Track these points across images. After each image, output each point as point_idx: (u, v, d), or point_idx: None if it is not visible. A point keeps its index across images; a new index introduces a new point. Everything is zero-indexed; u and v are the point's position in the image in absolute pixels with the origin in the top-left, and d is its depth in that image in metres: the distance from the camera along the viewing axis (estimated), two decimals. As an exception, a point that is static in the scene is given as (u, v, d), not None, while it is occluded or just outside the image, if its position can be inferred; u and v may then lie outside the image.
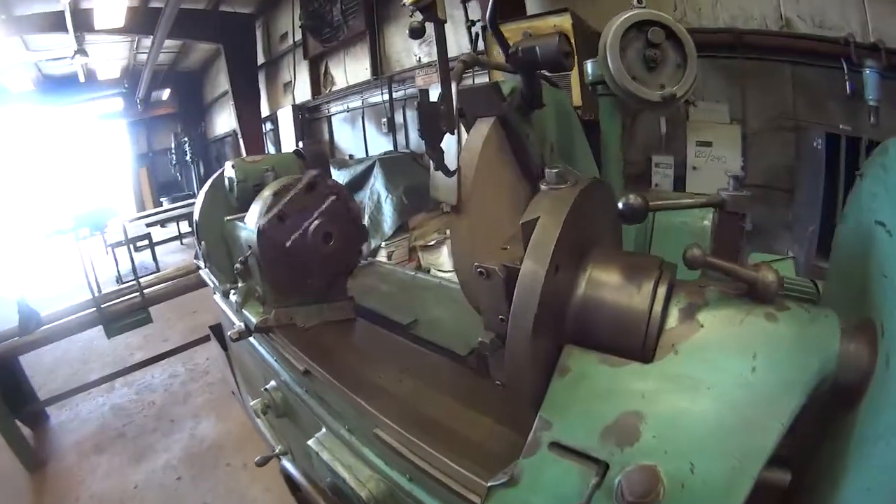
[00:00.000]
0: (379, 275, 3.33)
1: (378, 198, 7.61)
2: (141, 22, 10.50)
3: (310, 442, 1.81)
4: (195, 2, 11.13)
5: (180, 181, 19.56)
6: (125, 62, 15.33)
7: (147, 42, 11.86)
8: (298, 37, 11.61)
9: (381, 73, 9.72)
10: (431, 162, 1.38)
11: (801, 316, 0.93)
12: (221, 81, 14.76)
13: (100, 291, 4.92)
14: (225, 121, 17.13)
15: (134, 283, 5.10)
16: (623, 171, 2.02)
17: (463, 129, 1.50)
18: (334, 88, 11.39)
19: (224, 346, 3.80)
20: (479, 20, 6.82)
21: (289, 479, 2.16)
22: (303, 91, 12.29)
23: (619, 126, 1.88)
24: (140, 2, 10.18)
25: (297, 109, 12.26)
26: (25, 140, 17.20)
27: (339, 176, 7.96)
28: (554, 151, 1.79)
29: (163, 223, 12.89)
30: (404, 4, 1.15)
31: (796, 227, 5.05)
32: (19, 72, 13.58)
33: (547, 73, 1.58)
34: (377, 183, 7.74)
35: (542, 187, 1.05)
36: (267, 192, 2.32)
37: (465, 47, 7.01)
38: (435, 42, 1.27)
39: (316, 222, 2.24)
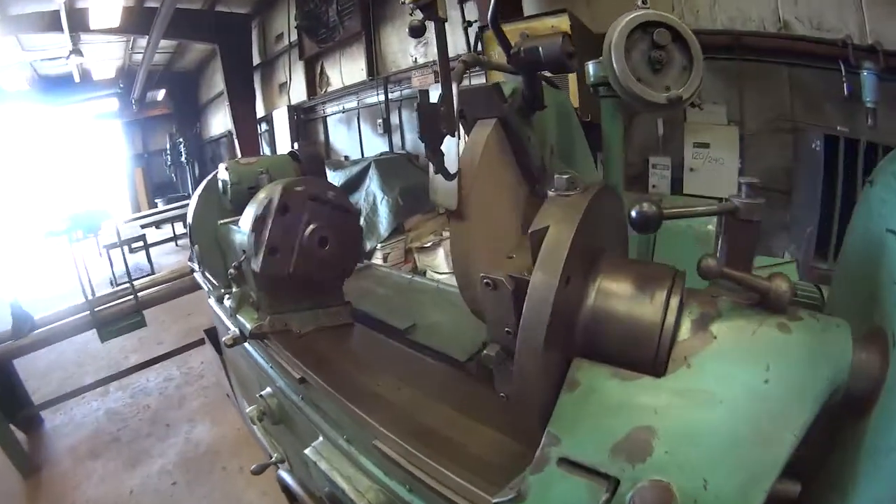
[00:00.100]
0: (375, 278, 3.30)
1: (374, 199, 7.57)
2: (136, 22, 10.44)
3: (307, 451, 1.78)
4: (191, 2, 11.08)
5: (175, 182, 19.51)
6: (120, 62, 15.25)
7: (142, 42, 11.80)
8: (294, 37, 11.58)
9: (377, 73, 9.69)
10: (431, 165, 1.35)
11: (814, 326, 0.91)
12: (217, 82, 14.71)
13: (94, 294, 4.87)
14: (220, 121, 17.07)
15: (128, 285, 5.05)
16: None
17: (462, 131, 1.47)
18: (330, 89, 11.36)
19: (219, 350, 3.77)
20: (476, 21, 6.80)
21: (286, 488, 2.12)
22: (298, 92, 12.25)
23: (620, 128, 1.85)
24: (135, 1, 10.11)
25: (293, 110, 12.23)
26: (21, 140, 17.10)
27: (335, 177, 7.92)
28: (554, 154, 1.77)
29: (158, 224, 12.81)
30: (404, 3, 1.12)
31: (794, 229, 5.04)
32: (14, 72, 13.49)
33: (548, 74, 1.55)
34: (373, 184, 7.70)
35: (551, 193, 1.02)
36: (262, 194, 2.28)
37: (462, 49, 6.99)
38: (431, 43, 1.24)
39: (310, 228, 2.21)
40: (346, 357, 2.16)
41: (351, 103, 10.78)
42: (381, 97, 9.58)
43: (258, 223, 2.15)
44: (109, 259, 8.96)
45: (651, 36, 1.29)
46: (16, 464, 4.36)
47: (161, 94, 18.78)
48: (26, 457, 4.52)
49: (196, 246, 3.03)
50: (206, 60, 16.54)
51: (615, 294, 0.98)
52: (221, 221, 2.64)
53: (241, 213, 2.39)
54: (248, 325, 2.30)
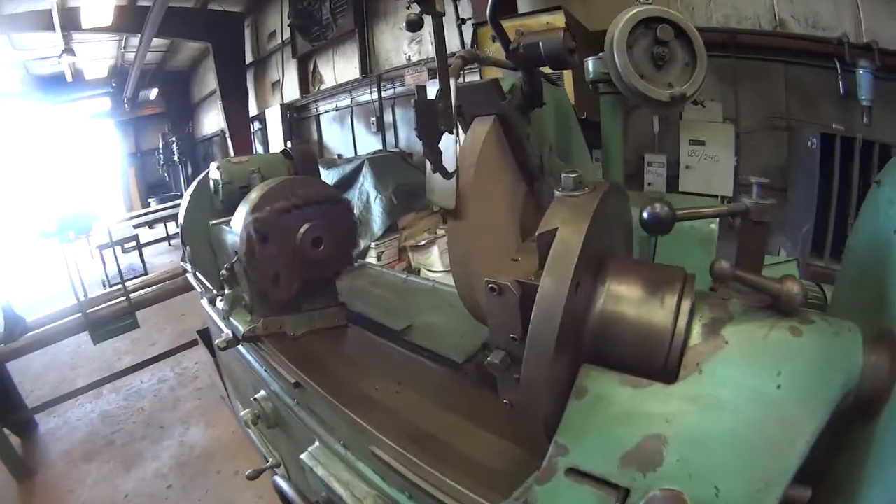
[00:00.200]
0: (370, 278, 3.26)
1: (367, 198, 7.53)
2: (129, 21, 10.37)
3: (303, 456, 1.74)
4: (183, 0, 11.00)
5: (168, 181, 19.40)
6: (113, 61, 15.16)
7: (135, 41, 11.74)
8: (287, 35, 11.55)
9: (371, 71, 9.66)
10: (428, 163, 1.31)
11: (825, 329, 0.89)
12: (209, 80, 14.63)
13: (86, 295, 4.82)
14: (213, 120, 17.00)
15: (120, 286, 5.00)
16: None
17: (460, 128, 1.44)
18: (323, 87, 11.33)
19: (212, 352, 3.72)
20: (469, 18, 6.77)
21: (281, 494, 2.08)
22: (291, 90, 12.22)
23: (620, 125, 1.82)
24: (128, 0, 10.04)
25: (286, 108, 12.18)
26: (13, 141, 16.95)
27: (328, 176, 7.88)
28: (552, 151, 1.74)
29: (151, 224, 12.74)
30: (400, -2, 1.09)
31: (789, 227, 5.05)
32: (6, 71, 13.37)
33: (547, 71, 1.52)
34: (366, 183, 7.66)
35: (558, 193, 0.98)
36: (254, 194, 2.24)
37: (456, 47, 6.96)
38: (425, 40, 1.20)
39: (303, 230, 2.17)
40: (342, 360, 2.12)
41: (344, 101, 10.74)
42: (375, 95, 9.54)
43: (249, 256, 2.11)
44: (102, 260, 8.90)
45: (653, 32, 1.27)
46: (10, 468, 4.31)
47: (154, 93, 18.70)
48: (20, 461, 4.47)
49: (188, 247, 2.98)
50: (199, 59, 16.47)
51: (625, 298, 0.94)
52: (213, 222, 2.60)
53: (232, 213, 2.34)
54: (242, 328, 2.26)
